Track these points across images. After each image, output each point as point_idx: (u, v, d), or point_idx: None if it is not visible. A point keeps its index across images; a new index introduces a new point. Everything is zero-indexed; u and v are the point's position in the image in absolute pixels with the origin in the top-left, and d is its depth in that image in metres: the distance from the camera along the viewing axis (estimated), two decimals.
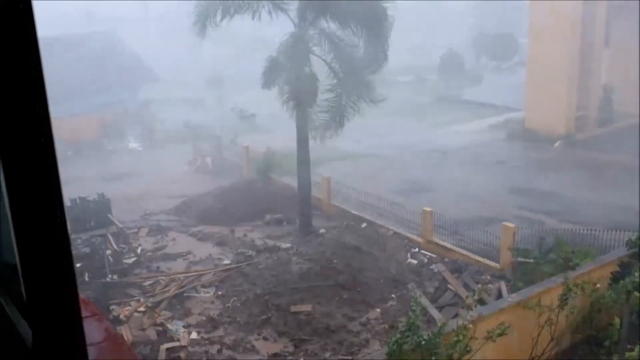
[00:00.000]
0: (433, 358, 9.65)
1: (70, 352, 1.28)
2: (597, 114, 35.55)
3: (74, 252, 19.56)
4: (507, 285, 17.28)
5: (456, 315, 11.30)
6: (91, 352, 2.22)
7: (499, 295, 16.74)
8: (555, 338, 12.66)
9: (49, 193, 1.22)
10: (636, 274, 13.17)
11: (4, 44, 1.16)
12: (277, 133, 36.36)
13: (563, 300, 12.19)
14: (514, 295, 14.25)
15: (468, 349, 10.06)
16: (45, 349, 1.28)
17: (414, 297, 11.13)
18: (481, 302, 15.85)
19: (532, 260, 17.62)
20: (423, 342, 9.51)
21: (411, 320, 9.75)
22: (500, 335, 10.55)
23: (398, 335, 9.78)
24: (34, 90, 1.20)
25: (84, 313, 2.58)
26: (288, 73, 21.04)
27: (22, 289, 1.20)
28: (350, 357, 14.78)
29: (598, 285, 13.36)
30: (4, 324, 1.37)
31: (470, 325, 10.58)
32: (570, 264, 14.55)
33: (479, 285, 16.92)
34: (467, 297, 16.72)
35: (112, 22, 63.55)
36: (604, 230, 18.11)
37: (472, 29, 66.94)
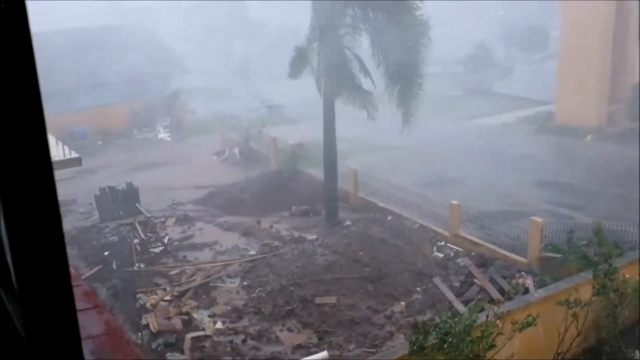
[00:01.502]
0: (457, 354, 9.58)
1: (63, 345, 1.27)
2: (629, 108, 34.92)
3: (102, 240, 19.85)
4: (534, 280, 17.09)
5: (482, 310, 11.16)
6: (89, 344, 2.22)
7: (526, 290, 16.55)
8: (583, 334, 12.50)
9: (41, 185, 1.20)
10: None
11: None
12: (305, 124, 36.36)
13: (597, 294, 12.02)
14: (540, 290, 14.09)
15: (492, 344, 9.95)
16: (39, 342, 1.26)
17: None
18: (507, 297, 15.68)
19: (560, 255, 17.40)
20: (448, 341, 9.43)
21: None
22: (528, 325, 10.41)
23: (420, 337, 9.71)
24: (26, 87, 1.17)
25: (85, 305, 2.60)
26: (317, 62, 21.00)
27: (14, 281, 1.19)
28: (374, 350, 14.75)
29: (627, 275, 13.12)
30: (1, 317, 1.36)
31: (497, 321, 10.47)
32: (609, 260, 14.28)
33: (512, 281, 16.74)
34: (506, 293, 16.49)
35: (144, 13, 64.10)
36: (632, 226, 17.80)
37: (503, 21, 66.20)
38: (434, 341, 9.68)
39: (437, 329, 9.72)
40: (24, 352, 1.33)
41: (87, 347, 2.15)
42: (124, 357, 2.28)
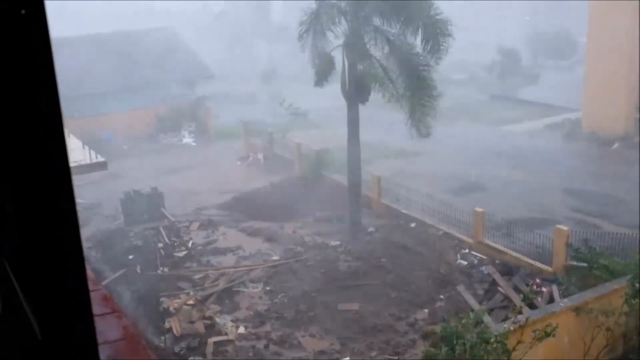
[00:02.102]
0: None
1: (80, 349, 1.27)
2: None
3: (126, 244, 19.99)
4: (559, 290, 16.89)
5: (506, 319, 11.07)
6: (106, 349, 2.23)
7: (551, 299, 16.38)
8: (610, 344, 12.33)
9: (59, 188, 1.20)
10: None
11: (15, 43, 1.15)
12: (329, 130, 36.38)
13: (630, 305, 11.85)
14: (565, 300, 13.93)
15: (510, 354, 9.84)
16: (55, 345, 1.27)
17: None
18: (532, 306, 15.53)
19: (586, 264, 17.18)
20: (463, 349, 9.36)
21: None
22: (547, 335, 10.29)
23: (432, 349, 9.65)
24: (44, 90, 1.18)
25: (103, 310, 2.61)
26: (342, 70, 21.02)
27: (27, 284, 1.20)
28: (396, 357, 14.68)
29: None
30: (19, 317, 1.37)
31: (511, 328, 10.37)
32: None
33: (533, 288, 16.57)
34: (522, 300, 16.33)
35: (171, 18, 64.63)
36: None
37: (530, 27, 65.75)
38: (447, 350, 9.60)
39: (453, 338, 9.64)
40: (40, 355, 1.33)
41: (104, 352, 2.15)
42: None
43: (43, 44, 1.17)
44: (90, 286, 3.07)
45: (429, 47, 20.11)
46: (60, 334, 1.28)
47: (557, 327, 10.52)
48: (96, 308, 2.60)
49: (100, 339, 2.42)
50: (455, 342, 9.50)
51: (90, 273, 3.35)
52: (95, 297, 2.68)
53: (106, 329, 2.43)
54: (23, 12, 1.15)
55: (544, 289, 16.66)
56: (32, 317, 1.31)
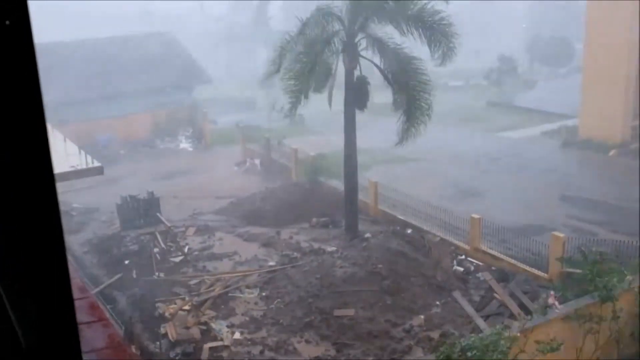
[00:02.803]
0: None
1: (64, 357, 1.27)
2: None
3: (123, 249, 19.97)
4: (555, 296, 16.88)
5: (505, 328, 11.07)
6: (92, 357, 2.22)
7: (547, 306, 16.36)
8: (602, 351, 12.32)
9: (43, 195, 1.20)
10: None
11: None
12: (326, 135, 36.40)
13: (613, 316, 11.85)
14: (561, 306, 13.94)
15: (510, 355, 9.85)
16: (39, 353, 1.27)
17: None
18: (528, 312, 15.53)
19: (581, 271, 17.16)
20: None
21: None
22: (552, 350, 10.30)
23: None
24: (28, 100, 1.18)
25: (90, 318, 2.61)
26: (332, 76, 21.05)
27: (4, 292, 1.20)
28: None
29: None
30: (3, 325, 1.36)
31: (511, 334, 10.37)
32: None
33: (540, 301, 16.51)
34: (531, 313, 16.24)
35: (170, 22, 64.70)
36: None
37: (527, 34, 65.90)
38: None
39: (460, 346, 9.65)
40: None
41: None
42: None
43: (28, 54, 1.17)
44: (78, 294, 3.09)
45: (438, 51, 20.17)
46: (44, 343, 1.28)
47: (562, 344, 10.51)
48: (83, 316, 2.60)
49: (86, 347, 2.43)
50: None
51: (78, 281, 3.35)
52: (82, 305, 2.68)
53: (93, 337, 2.43)
54: (7, 22, 1.15)
55: (555, 303, 16.51)
56: (17, 325, 1.31)
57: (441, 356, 9.69)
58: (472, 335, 10.08)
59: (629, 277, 14.33)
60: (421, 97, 20.09)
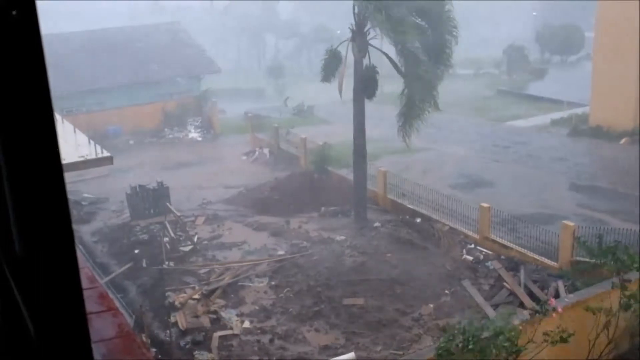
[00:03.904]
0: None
1: (73, 346, 1.28)
2: None
3: (132, 238, 20.06)
4: (565, 285, 16.87)
5: (512, 315, 11.05)
6: (101, 347, 2.23)
7: (557, 295, 16.35)
8: (613, 341, 12.29)
9: (51, 185, 1.21)
10: None
11: (6, 45, 1.15)
12: (335, 125, 36.38)
13: (624, 304, 11.79)
14: (571, 295, 13.90)
15: (520, 349, 9.83)
16: (48, 341, 1.27)
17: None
18: (537, 300, 15.51)
19: (592, 260, 17.11)
20: (472, 345, 9.35)
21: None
22: (562, 341, 10.26)
23: (445, 340, 9.65)
24: (35, 91, 1.18)
25: (99, 308, 2.62)
26: (342, 65, 21.01)
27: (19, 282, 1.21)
28: (401, 352, 14.68)
29: None
30: (13, 315, 1.38)
31: (520, 327, 10.35)
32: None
33: (545, 290, 16.51)
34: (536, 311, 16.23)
35: (181, 13, 64.78)
36: None
37: (537, 22, 65.55)
38: (460, 344, 9.59)
39: (464, 332, 9.64)
40: (33, 352, 1.34)
41: (99, 351, 2.16)
42: None
43: (35, 45, 1.17)
44: (87, 284, 3.11)
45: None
46: (53, 333, 1.29)
47: (572, 335, 10.47)
48: (92, 306, 2.62)
49: (95, 337, 2.45)
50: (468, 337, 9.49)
51: (87, 271, 3.37)
52: (91, 295, 2.70)
53: (102, 327, 2.44)
54: (14, 13, 1.15)
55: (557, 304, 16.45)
56: (26, 315, 1.32)
57: (440, 349, 9.68)
58: (473, 323, 10.03)
59: None
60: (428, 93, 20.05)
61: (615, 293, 12.32)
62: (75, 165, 12.62)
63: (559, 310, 11.46)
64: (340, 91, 21.04)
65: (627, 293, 12.02)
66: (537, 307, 11.61)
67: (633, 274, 13.39)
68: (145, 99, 38.99)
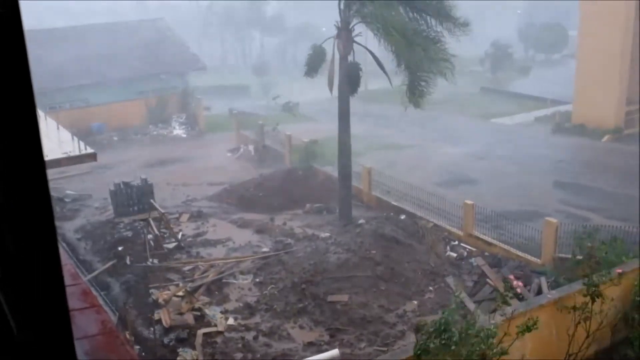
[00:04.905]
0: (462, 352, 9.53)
1: (56, 343, 1.28)
2: None
3: (116, 235, 19.96)
4: (547, 281, 17.00)
5: (494, 311, 11.12)
6: (85, 344, 2.23)
7: (539, 291, 16.48)
8: (594, 337, 12.40)
9: (34, 182, 1.21)
10: None
11: None
12: (320, 122, 36.40)
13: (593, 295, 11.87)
14: (553, 291, 14.01)
15: (491, 345, 9.87)
16: (31, 338, 1.28)
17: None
18: (520, 298, 15.64)
19: (574, 257, 17.28)
20: (453, 340, 9.39)
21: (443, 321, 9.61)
22: (528, 330, 10.33)
23: (424, 337, 9.68)
24: (18, 89, 1.18)
25: (82, 304, 2.62)
26: (331, 61, 20.99)
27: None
28: (385, 349, 14.74)
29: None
30: None
31: (498, 321, 10.41)
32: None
33: (528, 287, 16.65)
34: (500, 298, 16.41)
35: (166, 9, 64.56)
36: None
37: (521, 20, 65.91)
38: (438, 343, 9.62)
39: (441, 329, 9.66)
40: (16, 347, 1.34)
41: (82, 347, 2.16)
42: (119, 358, 2.29)
43: (17, 42, 1.18)
44: (70, 281, 3.10)
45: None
46: (36, 329, 1.29)
47: (538, 321, 10.55)
48: (76, 303, 2.62)
49: (79, 333, 2.45)
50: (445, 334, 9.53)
51: (70, 268, 3.36)
52: (74, 292, 2.69)
53: (85, 324, 2.44)
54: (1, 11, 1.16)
55: (519, 284, 16.58)
56: (8, 311, 1.32)
57: (418, 348, 9.70)
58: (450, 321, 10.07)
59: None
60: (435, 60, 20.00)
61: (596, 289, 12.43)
62: (58, 162, 12.53)
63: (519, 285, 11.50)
64: (330, 88, 21.07)
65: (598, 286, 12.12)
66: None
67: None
68: (129, 95, 38.80)
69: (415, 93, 19.95)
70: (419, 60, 19.57)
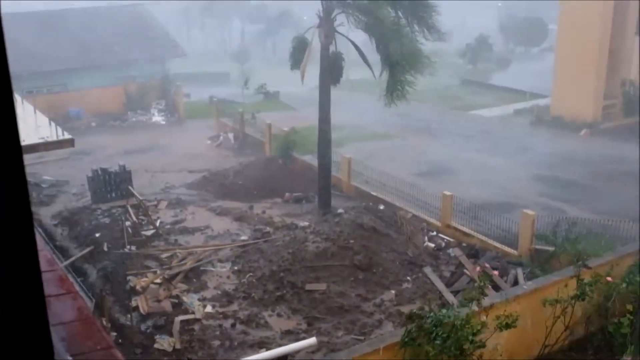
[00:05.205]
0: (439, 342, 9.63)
1: (31, 330, 1.27)
2: (624, 104, 35.02)
3: (93, 222, 19.79)
4: (524, 273, 17.17)
5: (472, 301, 11.21)
6: (60, 330, 2.22)
7: (516, 282, 16.65)
8: (570, 328, 12.56)
9: (10, 167, 1.19)
10: None
11: None
12: (301, 111, 36.35)
13: (580, 294, 12.05)
14: (529, 283, 14.15)
15: (473, 339, 9.98)
16: (5, 325, 1.26)
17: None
18: (496, 288, 15.79)
19: (551, 248, 17.48)
20: (442, 336, 9.50)
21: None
22: (507, 327, 10.45)
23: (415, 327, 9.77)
24: None
25: (59, 290, 2.60)
26: (308, 50, 20.94)
27: None
28: (362, 337, 14.81)
29: (609, 278, 13.17)
30: None
31: (475, 310, 10.51)
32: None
33: (505, 277, 16.82)
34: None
35: None
36: (624, 221, 17.87)
37: (502, 13, 66.20)
38: (427, 338, 9.71)
39: (430, 320, 9.75)
40: None
41: (58, 334, 2.14)
42: (95, 344, 2.27)
43: None
44: (46, 267, 3.07)
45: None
46: (11, 315, 1.28)
47: (519, 318, 10.67)
48: (52, 289, 2.59)
49: (55, 319, 2.43)
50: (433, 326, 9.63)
51: (47, 254, 3.33)
52: (51, 278, 2.67)
53: (61, 310, 2.42)
54: None
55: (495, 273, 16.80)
56: None
57: (406, 336, 9.79)
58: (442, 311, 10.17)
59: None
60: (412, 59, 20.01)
61: (572, 282, 12.58)
62: (35, 147, 12.37)
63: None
64: (302, 75, 21.02)
65: (584, 281, 12.29)
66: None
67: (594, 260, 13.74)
68: (108, 81, 38.41)
69: (393, 95, 20.07)
70: (399, 58, 19.58)
